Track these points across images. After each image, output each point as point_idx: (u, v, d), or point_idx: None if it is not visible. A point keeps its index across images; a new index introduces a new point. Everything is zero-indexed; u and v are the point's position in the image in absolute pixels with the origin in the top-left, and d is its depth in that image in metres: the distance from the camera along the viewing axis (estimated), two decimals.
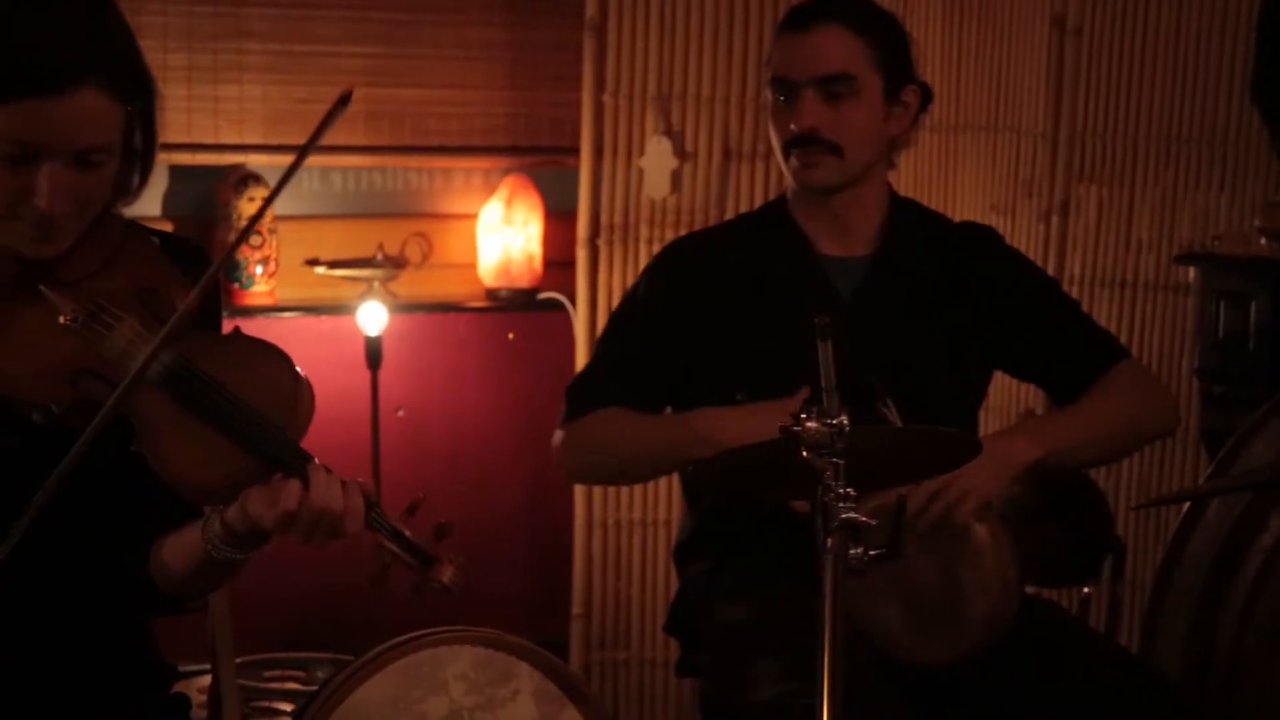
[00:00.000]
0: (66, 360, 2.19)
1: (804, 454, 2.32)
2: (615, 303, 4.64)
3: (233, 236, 4.60)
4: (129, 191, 2.34)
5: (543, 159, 5.06)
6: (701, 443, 2.98)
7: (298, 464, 2.16)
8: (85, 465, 2.16)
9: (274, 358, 2.24)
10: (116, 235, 2.30)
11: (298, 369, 2.23)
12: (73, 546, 2.32)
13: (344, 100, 2.18)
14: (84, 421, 2.15)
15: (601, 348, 3.27)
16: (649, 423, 3.14)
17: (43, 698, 2.32)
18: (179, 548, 2.32)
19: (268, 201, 2.32)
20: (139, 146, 2.31)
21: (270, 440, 2.16)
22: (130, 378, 2.14)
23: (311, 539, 2.16)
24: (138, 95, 2.26)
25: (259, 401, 2.18)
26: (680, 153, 4.67)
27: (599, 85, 4.65)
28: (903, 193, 3.35)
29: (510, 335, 4.95)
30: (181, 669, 2.54)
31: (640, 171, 4.67)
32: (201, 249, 2.44)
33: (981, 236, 3.32)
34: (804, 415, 2.31)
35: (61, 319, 2.21)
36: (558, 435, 3.25)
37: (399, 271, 4.88)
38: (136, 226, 2.35)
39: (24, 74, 2.13)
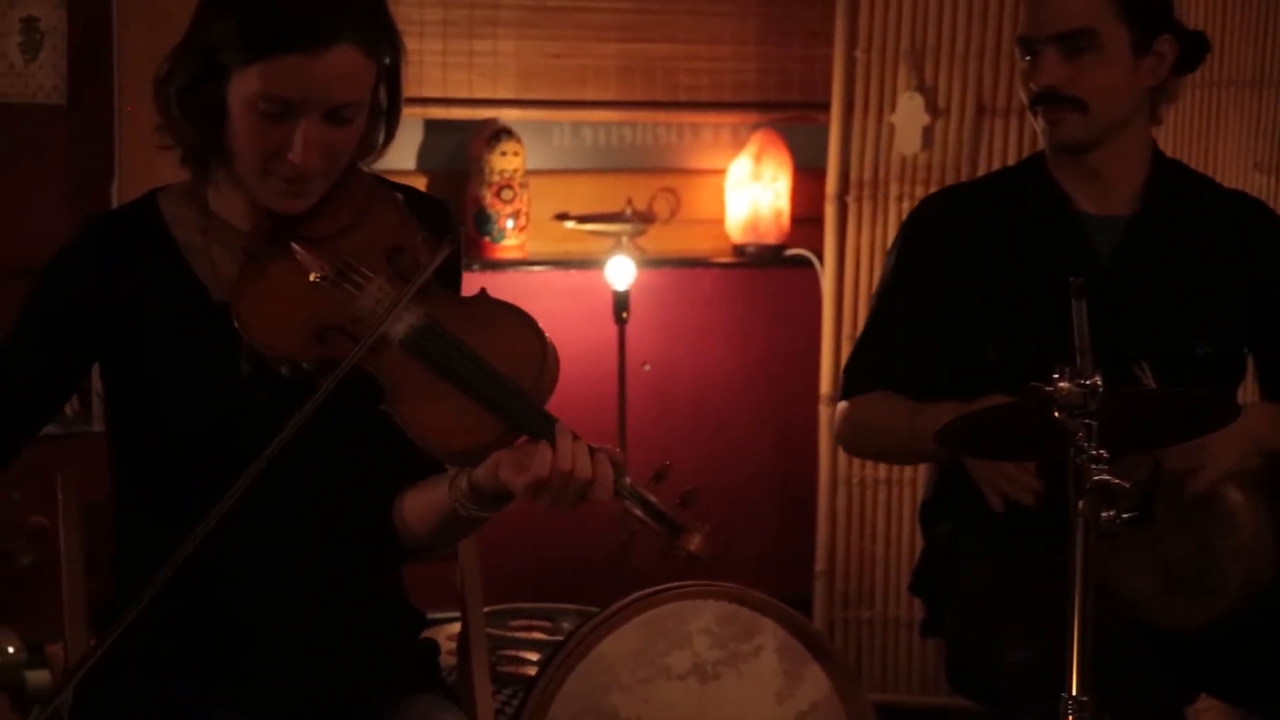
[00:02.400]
0: (315, 317, 2.23)
1: (1056, 415, 2.29)
2: (863, 260, 4.62)
3: (485, 190, 4.65)
4: (374, 148, 2.37)
5: (792, 114, 5.03)
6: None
7: (545, 428, 2.17)
8: (336, 422, 2.20)
9: (520, 321, 2.25)
10: (364, 192, 2.33)
11: (543, 332, 2.24)
12: (327, 497, 2.36)
13: (453, 240, 2.26)
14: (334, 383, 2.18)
15: (870, 324, 3.24)
16: (909, 416, 3.08)
17: (299, 640, 2.38)
18: (424, 503, 2.35)
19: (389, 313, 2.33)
20: (384, 103, 2.34)
21: (516, 404, 2.18)
22: (371, 335, 2.16)
23: (559, 504, 2.17)
24: (388, 51, 2.29)
25: (505, 365, 2.19)
26: (932, 108, 4.61)
27: (851, 40, 4.61)
28: (1165, 151, 3.27)
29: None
30: (430, 616, 2.58)
31: (891, 127, 4.62)
32: (445, 205, 2.46)
33: (1252, 208, 3.22)
34: (1057, 375, 2.28)
35: (312, 276, 2.25)
36: (839, 407, 3.23)
37: (647, 226, 4.90)
38: (382, 183, 2.38)
39: (282, 31, 2.17)
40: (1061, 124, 3.04)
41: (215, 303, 2.31)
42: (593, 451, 2.17)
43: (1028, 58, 3.06)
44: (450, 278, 2.37)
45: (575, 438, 2.17)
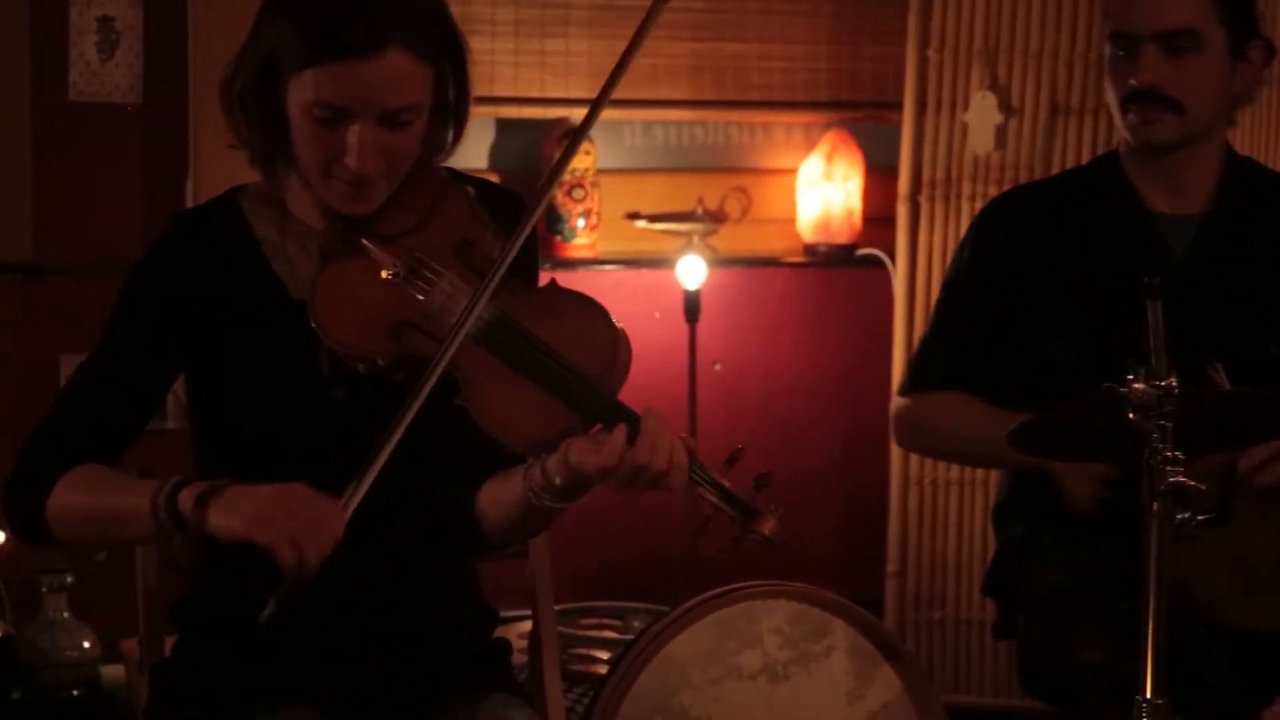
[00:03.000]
0: (389, 314, 2.24)
1: (1130, 416, 2.27)
2: (935, 260, 4.60)
3: (556, 189, 4.66)
4: (443, 148, 2.38)
5: (864, 114, 5.02)
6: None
7: (617, 416, 2.18)
8: (414, 417, 2.21)
9: (591, 311, 2.26)
10: (434, 188, 2.34)
11: (615, 322, 2.24)
12: (406, 492, 2.37)
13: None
14: (406, 374, 2.19)
15: (936, 318, 3.23)
16: (980, 422, 3.07)
17: (374, 638, 2.39)
18: (500, 494, 2.36)
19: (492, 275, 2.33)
20: (452, 102, 2.34)
21: (589, 393, 2.18)
22: (453, 336, 2.17)
23: (632, 489, 2.17)
24: (444, 55, 2.30)
25: (577, 355, 2.20)
26: (1005, 108, 4.59)
27: (924, 39, 4.59)
28: (1237, 149, 3.24)
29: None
30: (503, 614, 2.58)
31: (964, 127, 4.60)
32: (518, 197, 2.46)
33: None
34: (1131, 376, 2.26)
35: (384, 273, 2.26)
36: (895, 403, 3.22)
37: (718, 226, 4.89)
38: (454, 177, 2.39)
39: (333, 38, 2.19)
40: (1157, 124, 3.01)
41: (294, 301, 2.32)
42: (669, 440, 2.17)
43: (1122, 53, 3.02)
44: (525, 269, 2.37)
45: (651, 423, 2.16)
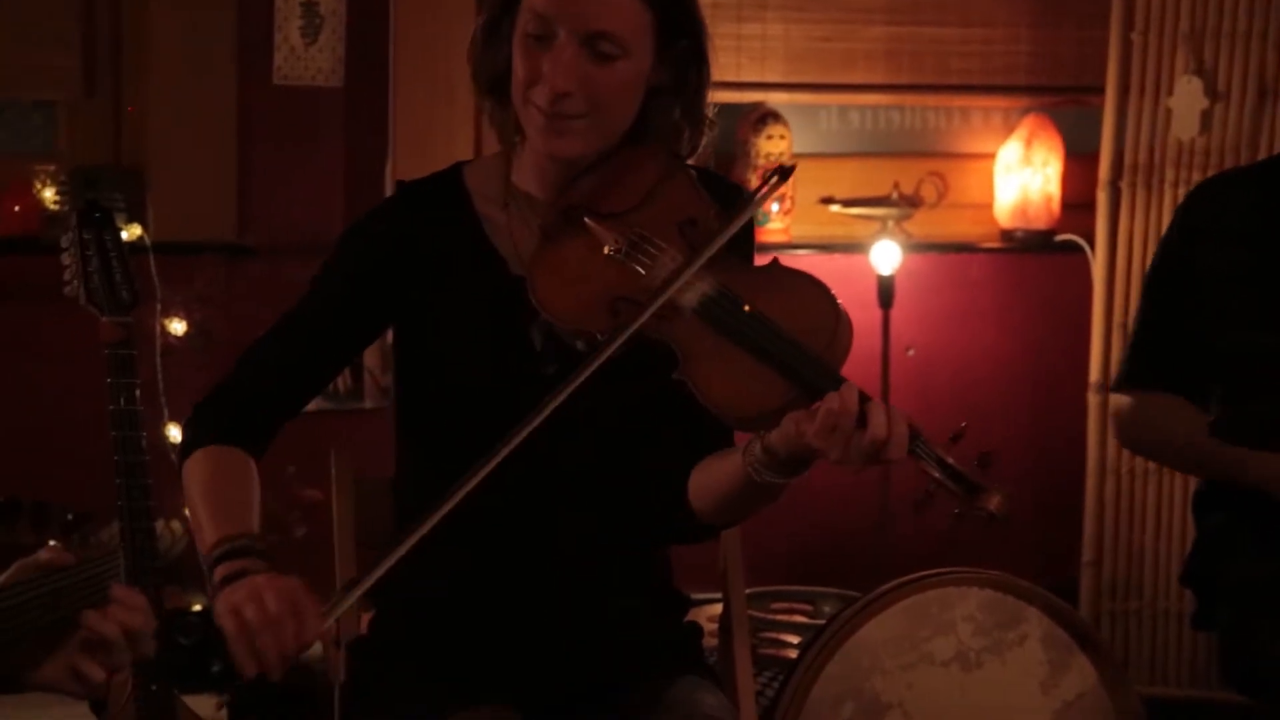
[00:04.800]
0: (609, 289, 2.25)
1: None
2: (1136, 247, 4.53)
3: (750, 173, 4.66)
4: (678, 134, 2.38)
5: (1064, 98, 4.96)
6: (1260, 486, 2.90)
7: (837, 389, 2.16)
8: (631, 395, 2.24)
9: (813, 287, 2.24)
10: (657, 168, 2.34)
11: (836, 299, 2.23)
12: (619, 473, 2.38)
13: (784, 174, 2.27)
14: (623, 350, 2.20)
15: (1146, 310, 3.17)
16: (1208, 441, 3.02)
17: (571, 620, 2.40)
18: (719, 473, 2.35)
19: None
20: (689, 82, 2.35)
21: (810, 368, 2.17)
22: (659, 299, 2.18)
23: (852, 459, 2.14)
24: (672, 11, 2.30)
25: (798, 330, 2.19)
26: (1211, 92, 4.50)
27: (1127, 22, 4.52)
28: None
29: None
30: (694, 598, 2.59)
31: (1168, 111, 4.53)
32: (738, 186, 2.47)
33: None
34: None
35: (606, 249, 2.27)
36: (1115, 400, 3.18)
37: (913, 211, 4.86)
38: (675, 159, 2.39)
39: None
40: None
41: (512, 276, 2.34)
42: (888, 411, 2.15)
43: None
44: (744, 248, 2.37)
45: (870, 398, 2.15)
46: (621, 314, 2.22)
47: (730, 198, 2.34)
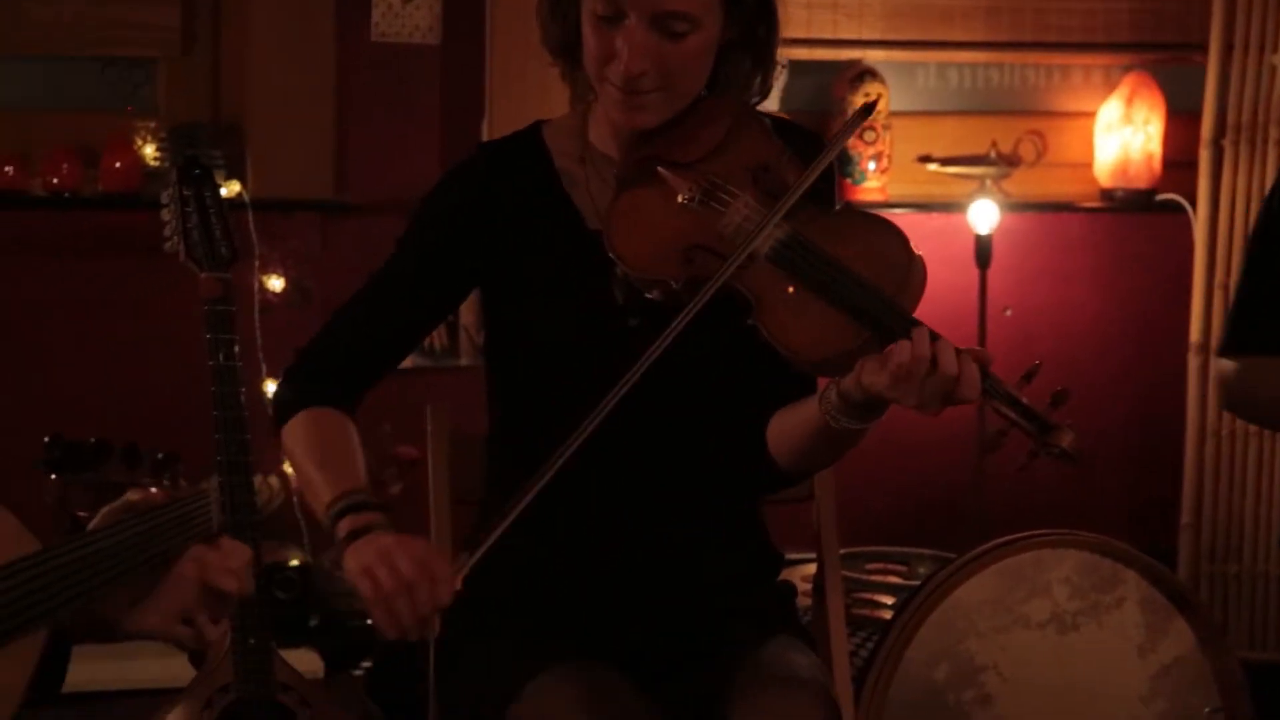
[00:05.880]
0: (683, 237, 2.25)
1: None
2: (1239, 206, 4.49)
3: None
4: (748, 85, 2.38)
5: (1167, 55, 4.90)
6: None
7: (909, 331, 2.15)
8: (706, 345, 2.23)
9: (886, 231, 2.24)
10: (729, 117, 2.34)
11: (909, 242, 2.22)
12: (699, 426, 2.38)
13: (866, 110, 2.29)
14: (709, 301, 2.20)
15: (1250, 273, 3.12)
16: None
17: (664, 580, 2.40)
18: (796, 421, 2.35)
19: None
20: (758, 35, 2.34)
21: (884, 312, 2.16)
22: (741, 252, 2.18)
23: (925, 401, 2.13)
24: None
25: (871, 274, 2.18)
26: None
27: None
28: None
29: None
30: (788, 557, 2.59)
31: (1273, 69, 4.48)
32: (815, 134, 2.45)
33: None
34: None
35: (679, 198, 2.28)
36: (1219, 365, 3.14)
37: (1012, 170, 4.82)
38: (749, 108, 2.39)
39: None
40: None
41: (591, 230, 2.35)
42: (959, 351, 2.14)
43: None
44: (824, 193, 2.36)
45: (939, 337, 2.14)
46: (696, 262, 2.22)
47: (807, 144, 2.34)
